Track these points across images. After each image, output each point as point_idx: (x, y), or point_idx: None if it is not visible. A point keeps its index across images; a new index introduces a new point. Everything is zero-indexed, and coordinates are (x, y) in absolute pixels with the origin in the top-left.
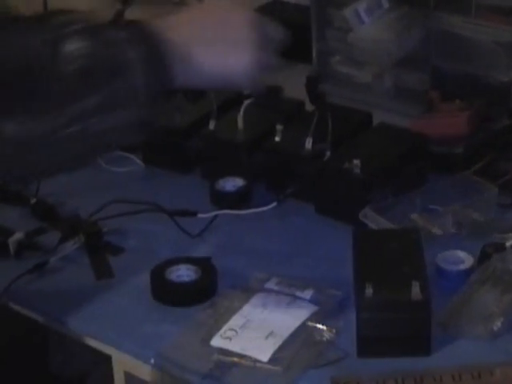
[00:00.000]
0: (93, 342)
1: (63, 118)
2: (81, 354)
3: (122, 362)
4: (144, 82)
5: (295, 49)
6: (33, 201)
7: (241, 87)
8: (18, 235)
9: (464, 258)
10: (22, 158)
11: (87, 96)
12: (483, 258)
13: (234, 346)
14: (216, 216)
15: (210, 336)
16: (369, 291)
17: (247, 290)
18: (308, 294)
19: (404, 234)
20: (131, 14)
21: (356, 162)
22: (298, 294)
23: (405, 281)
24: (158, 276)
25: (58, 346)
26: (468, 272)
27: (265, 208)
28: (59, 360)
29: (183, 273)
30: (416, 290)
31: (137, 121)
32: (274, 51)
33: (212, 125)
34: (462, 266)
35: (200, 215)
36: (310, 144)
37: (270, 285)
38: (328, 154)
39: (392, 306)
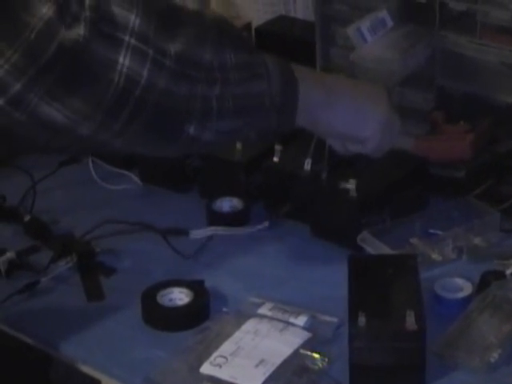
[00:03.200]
0: (81, 366)
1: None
2: None
3: None
4: (278, 92)
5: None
6: (26, 218)
7: (362, 148)
8: (9, 254)
9: (463, 286)
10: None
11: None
12: (483, 285)
13: (223, 374)
14: (211, 237)
15: (200, 363)
16: (361, 320)
17: (240, 315)
18: (302, 320)
19: (400, 260)
20: None
21: (352, 184)
22: (292, 320)
23: (399, 310)
24: (149, 299)
25: (60, 359)
26: (467, 300)
27: (259, 227)
28: (62, 373)
29: (175, 296)
30: (411, 320)
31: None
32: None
33: None
34: (461, 294)
35: (192, 235)
36: (309, 165)
37: (264, 310)
38: (324, 175)
39: (385, 336)
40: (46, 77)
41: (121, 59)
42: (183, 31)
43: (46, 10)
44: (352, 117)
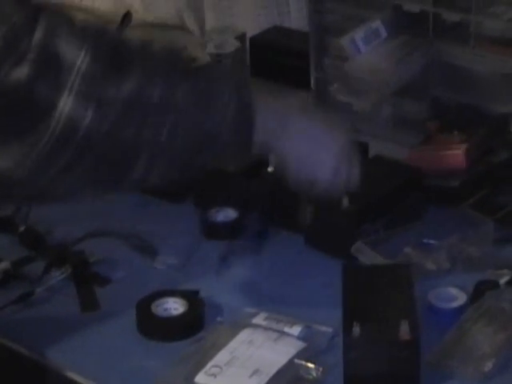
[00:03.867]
0: (76, 377)
1: None
2: None
3: None
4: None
5: (295, 75)
6: (21, 228)
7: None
8: (4, 265)
9: (457, 295)
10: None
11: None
12: (476, 295)
13: None
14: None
15: (195, 372)
16: (356, 330)
17: (235, 325)
18: (296, 330)
19: (395, 270)
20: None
21: (344, 195)
22: (286, 330)
23: (393, 319)
24: (144, 310)
25: (55, 370)
26: (461, 310)
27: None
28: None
29: (170, 306)
30: (405, 329)
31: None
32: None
33: None
34: (455, 304)
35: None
36: None
37: (258, 320)
38: None
39: (380, 346)
40: None
41: (61, 102)
42: (132, 70)
43: None
44: (306, 153)
